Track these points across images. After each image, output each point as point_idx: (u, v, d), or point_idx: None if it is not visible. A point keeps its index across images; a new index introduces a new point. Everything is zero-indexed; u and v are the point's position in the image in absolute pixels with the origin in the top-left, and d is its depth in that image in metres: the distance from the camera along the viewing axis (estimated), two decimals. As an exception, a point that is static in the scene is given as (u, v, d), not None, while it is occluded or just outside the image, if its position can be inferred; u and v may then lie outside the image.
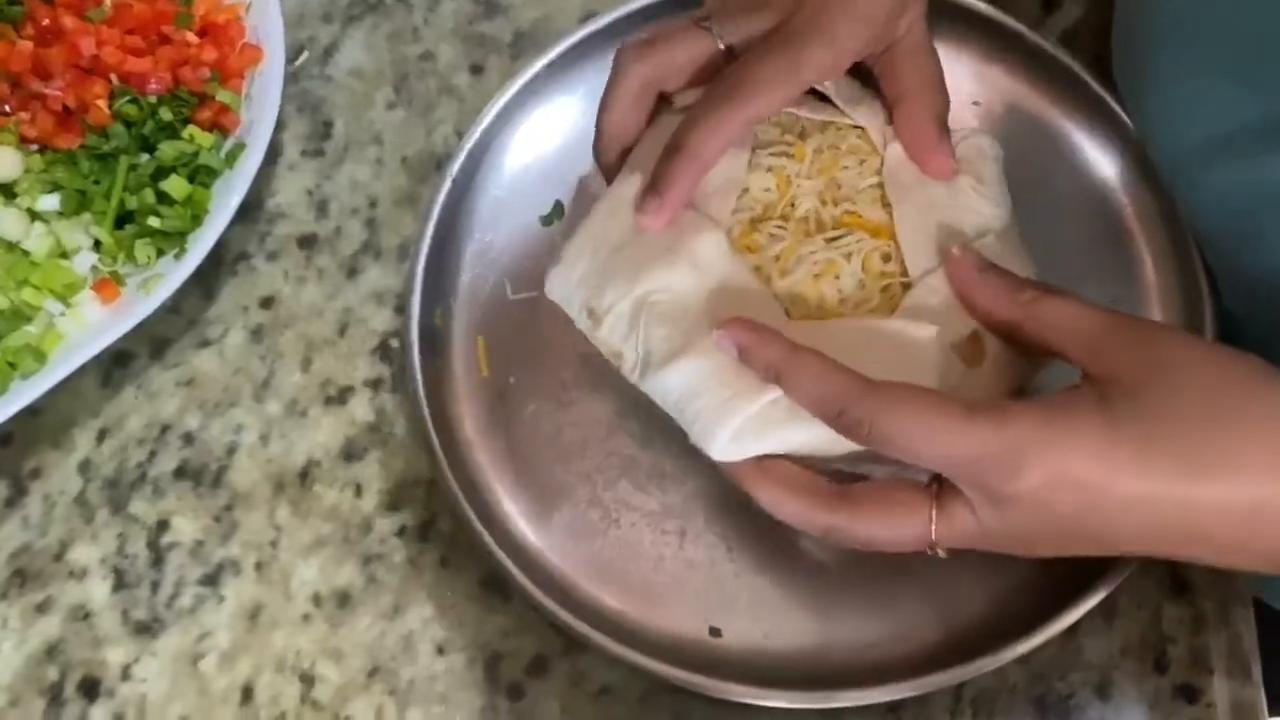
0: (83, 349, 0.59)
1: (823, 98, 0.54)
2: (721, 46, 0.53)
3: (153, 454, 0.61)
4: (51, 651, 0.58)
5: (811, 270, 0.49)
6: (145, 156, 0.64)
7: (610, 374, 0.51)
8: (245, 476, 0.61)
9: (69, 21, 0.65)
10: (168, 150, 0.63)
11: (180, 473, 0.61)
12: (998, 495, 0.43)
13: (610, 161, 0.55)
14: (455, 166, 0.62)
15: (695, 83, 0.53)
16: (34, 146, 0.64)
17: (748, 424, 0.47)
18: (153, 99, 0.65)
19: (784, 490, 0.47)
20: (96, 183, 0.63)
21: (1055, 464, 0.42)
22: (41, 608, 0.58)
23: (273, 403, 0.62)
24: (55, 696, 0.57)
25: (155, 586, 0.59)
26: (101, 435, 0.62)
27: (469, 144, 0.63)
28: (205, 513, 0.60)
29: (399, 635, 0.57)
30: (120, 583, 0.59)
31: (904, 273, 0.50)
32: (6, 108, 0.64)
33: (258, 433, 0.62)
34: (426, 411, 0.57)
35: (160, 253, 0.62)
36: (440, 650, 0.57)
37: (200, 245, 0.61)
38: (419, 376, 0.58)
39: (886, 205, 0.51)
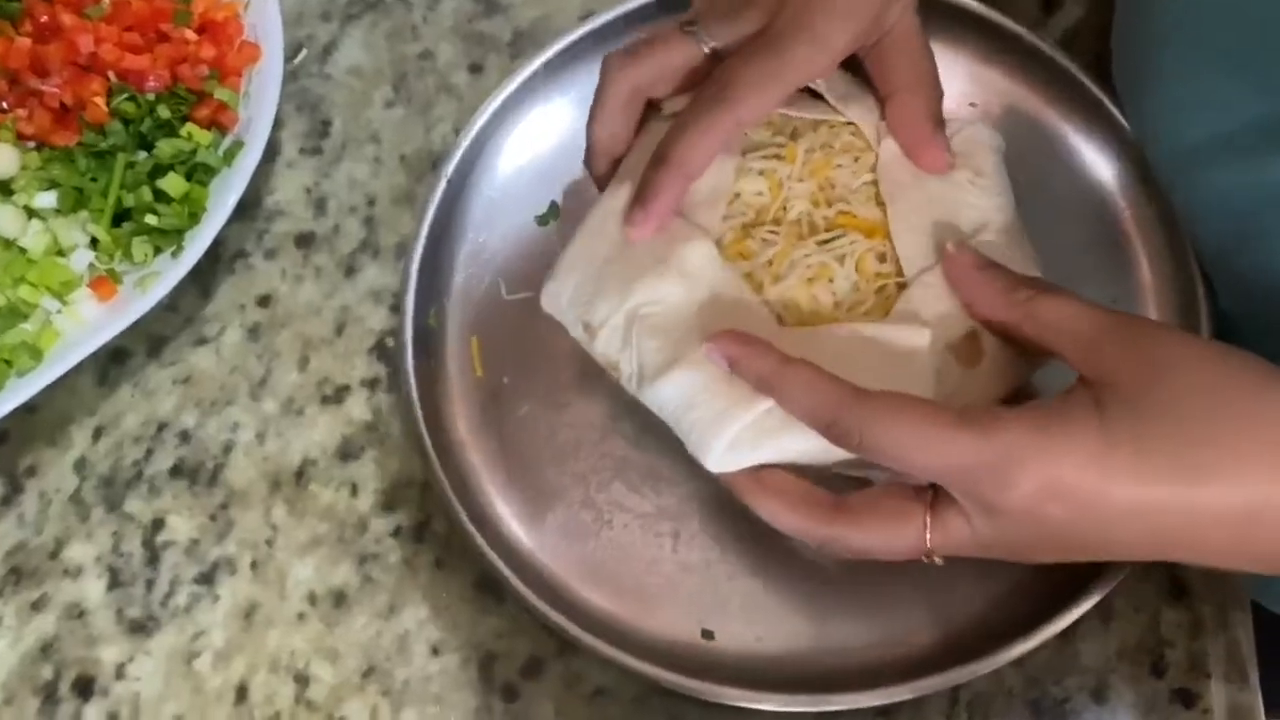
0: (79, 347, 0.59)
1: (816, 95, 0.53)
2: (706, 50, 0.52)
3: (149, 452, 0.61)
4: (46, 650, 0.58)
5: (804, 275, 0.49)
6: (143, 154, 0.64)
7: (604, 376, 0.51)
8: (241, 475, 0.61)
9: (67, 18, 0.65)
10: (165, 148, 0.63)
11: (176, 471, 0.61)
12: (991, 504, 0.43)
13: (602, 172, 0.55)
14: (450, 166, 0.62)
15: (684, 87, 0.53)
16: (31, 143, 0.64)
17: (743, 434, 0.47)
18: (151, 96, 0.65)
19: (781, 502, 0.47)
20: (94, 180, 0.63)
21: (1048, 473, 0.41)
22: (36, 606, 0.58)
23: (269, 401, 0.62)
24: (50, 695, 0.57)
25: (150, 585, 0.59)
26: (98, 433, 0.62)
27: (464, 144, 0.62)
28: (201, 511, 0.60)
29: (394, 635, 0.57)
30: (115, 581, 0.59)
31: (899, 273, 0.49)
32: (4, 104, 0.64)
33: (254, 431, 0.62)
34: (419, 412, 0.57)
35: (157, 250, 0.62)
36: (435, 651, 0.57)
37: (198, 243, 0.61)
38: (412, 377, 0.58)
39: (881, 203, 0.51)
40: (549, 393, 0.60)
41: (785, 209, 0.51)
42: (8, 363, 0.59)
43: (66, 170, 0.63)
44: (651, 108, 0.54)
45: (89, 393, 0.63)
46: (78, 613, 0.58)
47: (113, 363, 0.63)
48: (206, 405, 0.62)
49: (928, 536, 0.45)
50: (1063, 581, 0.52)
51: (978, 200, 0.51)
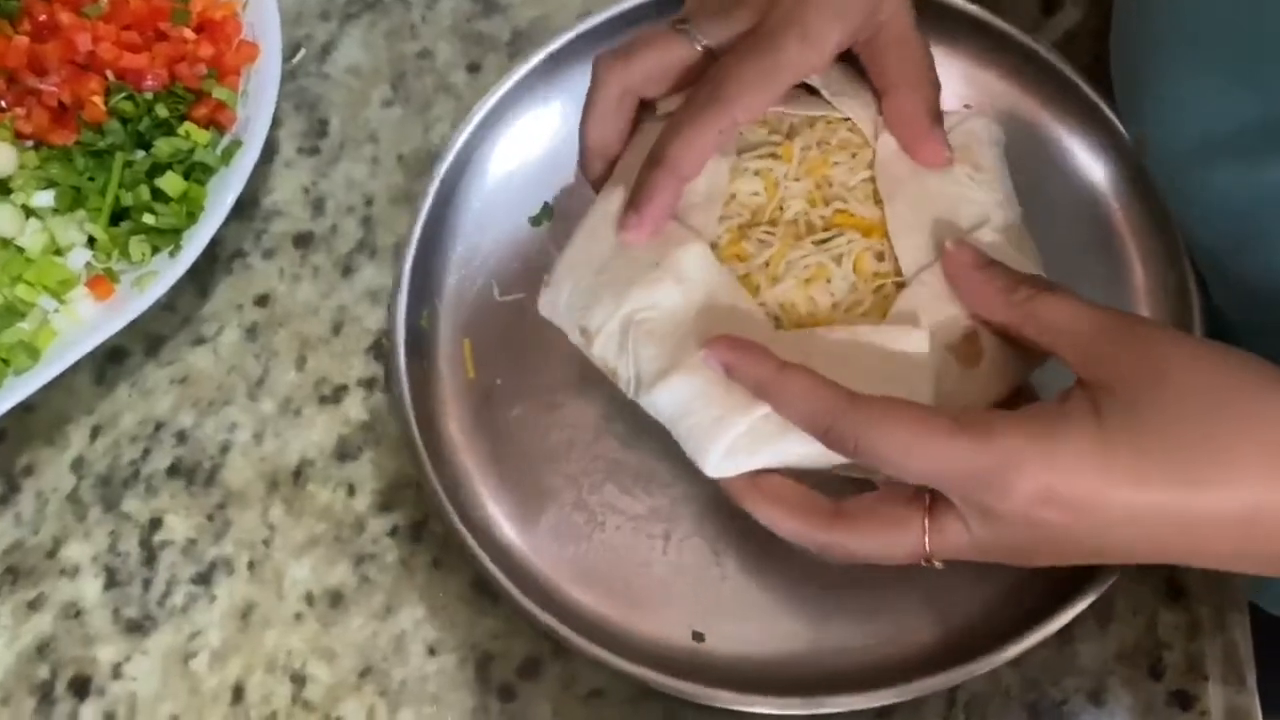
0: (77, 346, 0.59)
1: (812, 90, 0.53)
2: (699, 49, 0.52)
3: (146, 452, 0.61)
4: (43, 649, 0.58)
5: (802, 276, 0.49)
6: (141, 153, 0.64)
7: (597, 377, 0.51)
8: (238, 475, 0.61)
9: (65, 17, 0.65)
10: (163, 147, 0.63)
11: (173, 471, 0.61)
12: (988, 510, 0.42)
13: (597, 174, 0.55)
14: (443, 167, 0.62)
15: (677, 87, 0.52)
16: (29, 142, 0.64)
17: (740, 440, 0.47)
18: (149, 95, 0.65)
19: (779, 508, 0.47)
20: (92, 179, 0.63)
21: (1045, 478, 0.41)
22: (33, 605, 0.58)
23: (267, 401, 0.62)
24: (46, 694, 0.57)
25: (147, 585, 0.59)
26: (95, 432, 0.62)
27: (458, 145, 0.62)
28: (198, 511, 0.60)
29: (391, 635, 0.57)
30: (112, 581, 0.59)
31: (898, 271, 0.49)
32: (2, 103, 0.64)
33: (251, 431, 0.62)
34: (412, 413, 0.57)
35: (155, 250, 0.62)
36: (432, 651, 0.57)
37: (195, 242, 0.61)
38: (404, 378, 0.58)
39: (879, 201, 0.50)
40: (541, 394, 0.60)
41: (782, 209, 0.50)
42: (5, 362, 0.59)
43: (64, 169, 0.63)
44: (647, 108, 0.54)
45: (86, 392, 0.63)
46: (74, 612, 0.58)
47: (110, 362, 0.63)
48: (204, 405, 0.62)
49: (926, 541, 0.45)
50: (1060, 581, 0.52)
51: (977, 195, 0.51)
